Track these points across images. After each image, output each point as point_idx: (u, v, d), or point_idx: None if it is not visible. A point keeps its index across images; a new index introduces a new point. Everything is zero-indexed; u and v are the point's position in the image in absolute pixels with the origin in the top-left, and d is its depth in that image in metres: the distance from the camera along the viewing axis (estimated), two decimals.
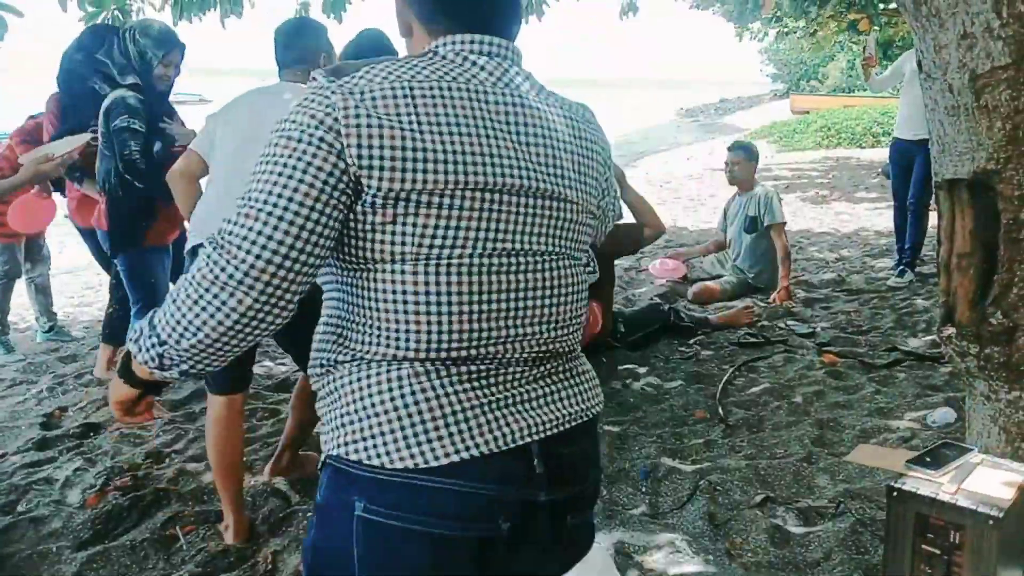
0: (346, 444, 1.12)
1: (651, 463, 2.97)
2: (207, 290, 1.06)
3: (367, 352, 1.13)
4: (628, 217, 4.01)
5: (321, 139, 1.06)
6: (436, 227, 1.09)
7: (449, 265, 1.10)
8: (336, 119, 1.06)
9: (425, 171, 1.07)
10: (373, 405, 1.11)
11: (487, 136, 1.12)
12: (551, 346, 1.20)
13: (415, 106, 1.09)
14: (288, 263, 1.05)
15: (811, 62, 32.52)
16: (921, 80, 2.04)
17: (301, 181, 1.05)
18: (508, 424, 1.12)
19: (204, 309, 1.06)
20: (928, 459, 1.75)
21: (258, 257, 1.05)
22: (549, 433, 1.15)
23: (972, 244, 2.00)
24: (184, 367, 1.13)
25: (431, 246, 1.10)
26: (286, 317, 1.10)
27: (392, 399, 1.10)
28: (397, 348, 1.11)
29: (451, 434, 1.09)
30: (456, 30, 1.19)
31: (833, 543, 2.40)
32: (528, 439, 1.12)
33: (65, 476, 3.00)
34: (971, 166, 1.93)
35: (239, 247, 1.05)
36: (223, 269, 1.05)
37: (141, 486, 2.89)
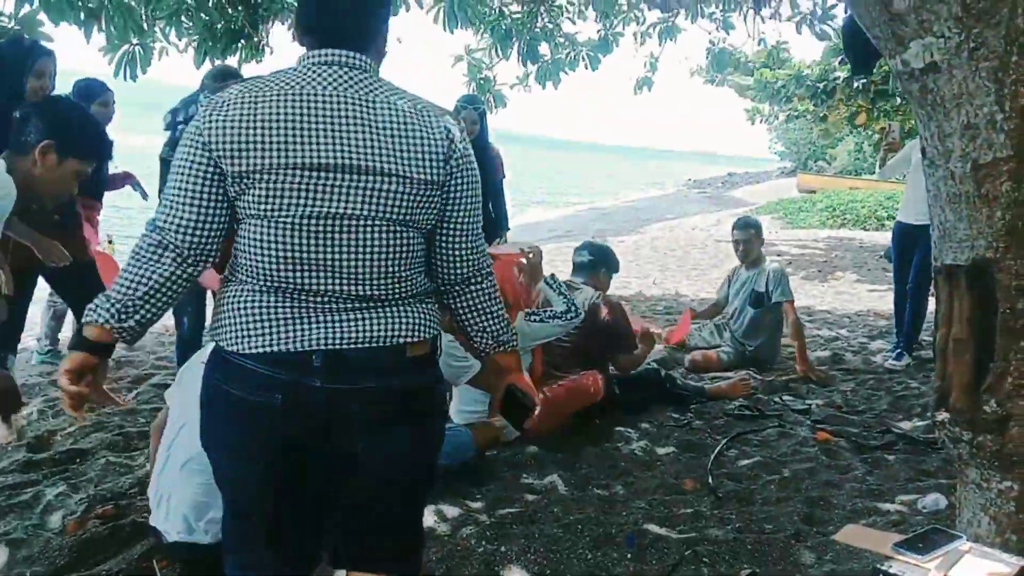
0: (213, 329, 1.66)
1: (638, 529, 2.94)
2: (149, 254, 1.58)
3: (235, 277, 1.64)
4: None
5: (197, 141, 1.56)
6: (269, 196, 1.54)
7: (279, 223, 1.55)
8: (203, 123, 1.55)
9: (255, 156, 1.53)
10: (226, 307, 1.62)
11: (308, 127, 1.54)
12: (364, 291, 1.61)
13: (255, 109, 1.54)
14: (195, 224, 1.57)
15: (819, 143, 33.01)
16: (924, 167, 2.09)
17: (188, 171, 1.56)
18: (304, 335, 1.58)
19: (148, 266, 1.58)
20: (916, 544, 1.74)
21: (177, 225, 1.57)
22: (332, 347, 1.58)
23: (969, 331, 2.01)
24: (137, 316, 1.59)
25: (267, 209, 1.55)
26: (206, 264, 1.63)
27: (235, 306, 1.60)
28: (246, 276, 1.61)
29: (261, 335, 1.58)
30: (316, 46, 1.63)
31: None
32: (311, 347, 1.58)
33: (47, 500, 2.97)
34: (970, 253, 1.97)
35: (165, 221, 1.58)
36: (156, 240, 1.58)
37: (123, 515, 2.86)
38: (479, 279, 1.80)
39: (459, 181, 1.68)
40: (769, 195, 25.71)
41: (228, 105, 1.55)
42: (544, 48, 7.48)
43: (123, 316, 1.58)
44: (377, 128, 1.58)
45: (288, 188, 1.54)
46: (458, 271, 1.76)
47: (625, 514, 3.08)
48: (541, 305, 3.92)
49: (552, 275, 3.97)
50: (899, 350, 5.29)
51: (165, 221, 1.58)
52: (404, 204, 1.60)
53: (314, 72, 1.60)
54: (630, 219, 20.42)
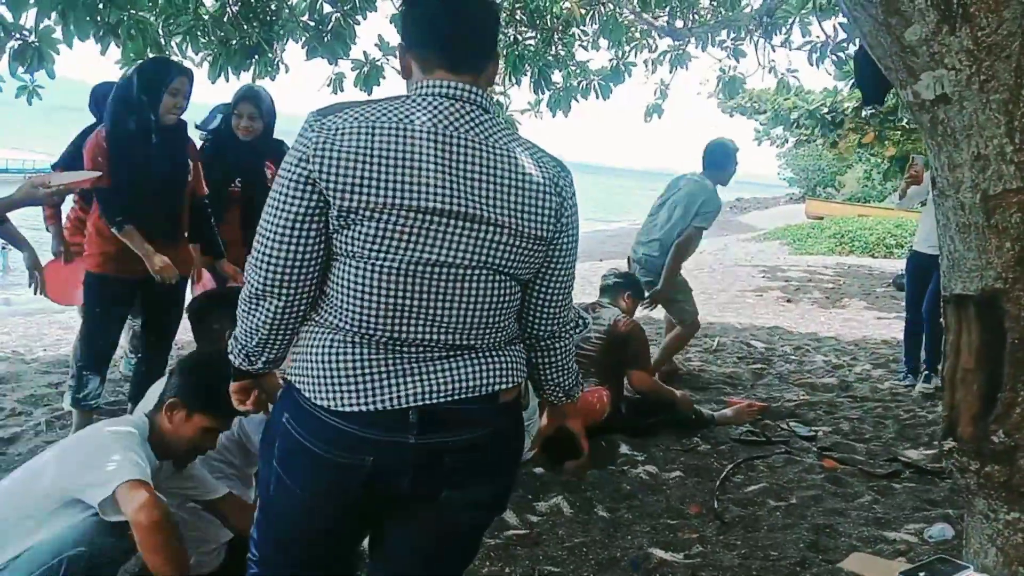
0: (293, 373, 1.57)
1: (642, 553, 2.93)
2: (250, 302, 1.53)
3: (321, 318, 1.55)
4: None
5: (300, 173, 1.44)
6: (376, 236, 1.44)
7: (383, 266, 1.46)
8: (312, 151, 1.44)
9: (369, 193, 1.42)
10: (311, 354, 1.53)
11: (426, 168, 1.44)
12: (464, 341, 1.55)
13: (372, 141, 1.43)
14: (289, 269, 1.47)
15: (828, 169, 33.04)
16: (934, 196, 2.10)
17: (284, 210, 1.45)
18: (399, 392, 1.50)
19: (254, 316, 1.54)
20: (922, 573, 1.73)
21: (269, 271, 1.48)
22: (429, 402, 1.51)
23: (977, 360, 2.02)
24: (264, 357, 1.60)
25: (371, 250, 1.45)
26: (311, 301, 1.53)
27: (324, 355, 1.51)
28: (338, 320, 1.52)
29: (353, 391, 1.49)
30: (431, 67, 1.54)
31: None
32: (407, 404, 1.50)
33: None
34: (979, 283, 1.97)
35: (256, 267, 1.50)
36: (253, 286, 1.51)
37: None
38: (564, 335, 1.75)
39: (564, 239, 1.62)
40: (777, 220, 25.74)
41: (342, 134, 1.44)
42: (556, 76, 7.54)
43: (251, 360, 1.61)
44: (494, 175, 1.50)
45: (398, 231, 1.44)
46: (547, 326, 1.71)
47: (630, 538, 3.07)
48: None
49: None
50: (927, 372, 5.20)
51: (255, 263, 1.50)
52: (512, 257, 1.54)
53: (434, 106, 1.50)
54: None
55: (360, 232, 1.44)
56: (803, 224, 22.31)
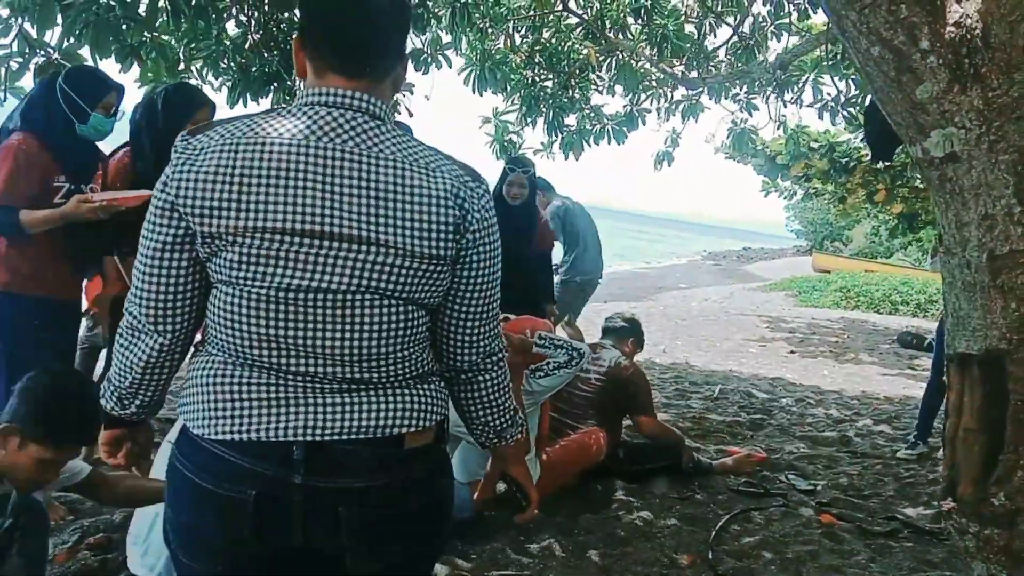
0: (181, 405, 1.43)
1: None
2: (127, 339, 1.43)
3: (207, 345, 1.42)
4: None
5: (162, 199, 1.34)
6: (241, 262, 1.31)
7: (251, 293, 1.32)
8: (171, 176, 1.33)
9: (230, 217, 1.29)
10: (193, 382, 1.40)
11: (293, 186, 1.29)
12: (357, 375, 1.38)
13: (234, 160, 1.30)
14: (163, 302, 1.37)
15: (836, 224, 33.12)
16: (941, 254, 2.09)
17: (151, 239, 1.35)
18: (282, 422, 1.34)
19: (130, 352, 1.43)
20: None
21: (145, 303, 1.38)
22: (316, 439, 1.34)
23: (979, 420, 1.99)
24: (137, 400, 1.48)
25: (239, 277, 1.32)
26: (190, 337, 1.43)
27: (203, 381, 1.38)
28: (216, 349, 1.39)
29: (232, 418, 1.34)
30: (322, 73, 1.38)
31: None
32: (292, 438, 1.34)
33: None
34: (983, 343, 1.96)
35: (133, 299, 1.40)
36: (131, 321, 1.41)
37: (114, 547, 2.84)
38: (488, 368, 1.55)
39: (474, 257, 1.43)
40: (783, 272, 25.75)
41: (202, 153, 1.31)
42: (570, 119, 7.63)
43: (124, 403, 1.49)
44: (375, 190, 1.32)
45: (263, 255, 1.30)
46: (465, 357, 1.51)
47: None
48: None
49: (537, 334, 3.85)
50: (919, 440, 5.11)
51: (133, 296, 1.40)
52: (401, 280, 1.36)
53: (311, 116, 1.34)
54: (644, 286, 20.45)
55: (226, 259, 1.32)
56: (809, 276, 22.33)
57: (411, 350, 1.42)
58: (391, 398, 1.40)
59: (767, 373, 8.09)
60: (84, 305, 3.69)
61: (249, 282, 1.32)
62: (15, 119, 3.07)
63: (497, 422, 1.61)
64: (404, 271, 1.35)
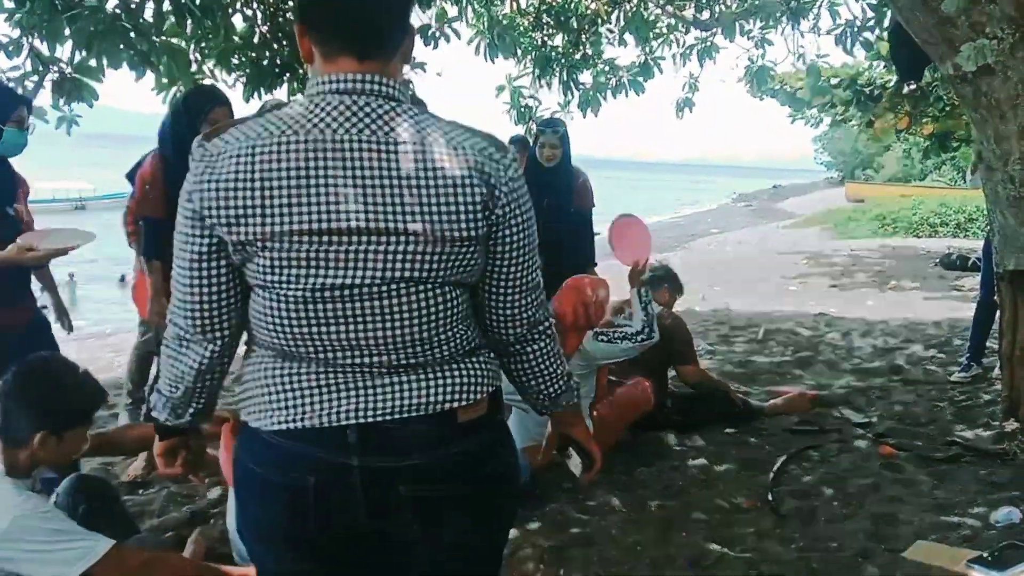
0: (239, 402, 1.44)
1: (699, 550, 2.89)
2: (175, 350, 1.43)
3: (252, 343, 1.43)
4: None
5: (188, 209, 1.33)
6: (273, 267, 1.31)
7: (287, 297, 1.32)
8: (194, 184, 1.31)
9: (256, 224, 1.28)
10: (248, 379, 1.42)
11: (317, 185, 1.28)
12: (404, 361, 1.37)
13: (253, 164, 1.28)
14: (204, 309, 1.37)
15: (867, 151, 32.47)
16: (981, 171, 2.04)
17: (186, 251, 1.35)
18: (334, 407, 1.35)
19: (179, 362, 1.43)
20: (992, 559, 1.68)
21: (191, 314, 1.38)
22: (369, 420, 1.35)
23: None
24: (191, 409, 1.49)
25: (273, 281, 1.32)
26: (238, 339, 1.44)
27: (256, 377, 1.40)
28: (263, 345, 1.40)
29: (286, 408, 1.36)
30: (332, 57, 1.34)
31: None
32: (344, 422, 1.35)
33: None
34: None
35: (177, 310, 1.40)
36: (178, 332, 1.41)
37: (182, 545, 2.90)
38: (535, 338, 1.53)
39: (506, 231, 1.39)
40: (817, 206, 25.35)
41: (220, 159, 1.30)
42: (585, 76, 7.52)
43: (178, 413, 1.50)
44: (399, 178, 1.30)
45: (294, 258, 1.29)
46: (510, 331, 1.49)
47: (684, 535, 3.04)
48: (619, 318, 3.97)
49: (646, 288, 3.87)
50: (972, 361, 5.02)
51: (176, 308, 1.40)
52: (434, 265, 1.34)
53: (323, 107, 1.32)
54: (675, 235, 20.28)
55: (259, 264, 1.31)
56: (844, 208, 21.97)
57: (454, 330, 1.41)
58: (440, 375, 1.40)
59: (810, 310, 8.00)
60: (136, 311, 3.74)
61: (284, 286, 1.32)
62: None
63: (551, 389, 1.60)
64: (436, 256, 1.33)
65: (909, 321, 7.27)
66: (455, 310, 1.40)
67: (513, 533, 3.03)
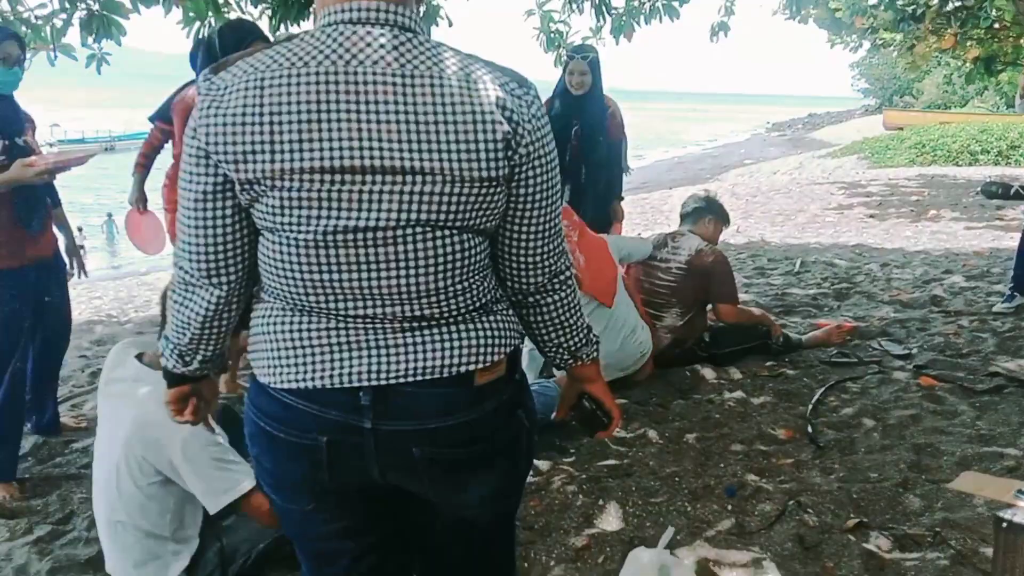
0: (249, 354, 1.39)
1: (737, 481, 2.90)
2: (181, 295, 1.37)
3: (261, 290, 1.38)
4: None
5: (193, 146, 1.25)
6: (283, 208, 1.23)
7: (296, 240, 1.25)
8: (199, 119, 1.24)
9: (264, 160, 1.20)
10: (257, 331, 1.37)
11: (328, 120, 1.20)
12: (418, 312, 1.31)
13: (262, 97, 1.20)
14: (211, 250, 1.30)
15: (905, 77, 31.48)
16: None
17: (191, 191, 1.28)
18: (345, 368, 1.30)
19: (185, 307, 1.37)
20: None
21: (197, 257, 1.31)
22: (382, 383, 1.30)
23: None
24: (199, 356, 1.43)
25: (282, 223, 1.25)
26: (246, 288, 1.37)
27: (266, 330, 1.35)
28: (272, 293, 1.34)
29: (296, 365, 1.31)
30: None
31: (931, 573, 2.30)
32: (358, 384, 1.30)
33: None
34: None
35: (184, 253, 1.33)
36: (183, 276, 1.35)
37: None
38: (556, 287, 1.45)
39: (529, 172, 1.31)
40: (853, 134, 24.76)
41: (228, 93, 1.22)
42: (618, 0, 7.28)
43: (186, 360, 1.44)
44: (415, 114, 1.22)
45: (305, 198, 1.22)
46: (530, 279, 1.42)
47: (723, 466, 3.04)
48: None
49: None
50: (1016, 291, 4.90)
51: (181, 250, 1.34)
52: (453, 208, 1.26)
53: (336, 38, 1.23)
54: (707, 166, 19.98)
55: (267, 204, 1.24)
56: (881, 136, 21.44)
57: (472, 280, 1.34)
58: (456, 334, 1.33)
59: (847, 241, 7.86)
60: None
61: (294, 227, 1.24)
62: None
63: (571, 342, 1.53)
64: (455, 198, 1.26)
65: (949, 251, 7.13)
66: (474, 259, 1.33)
67: (548, 464, 3.06)
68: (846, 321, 4.71)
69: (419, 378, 1.31)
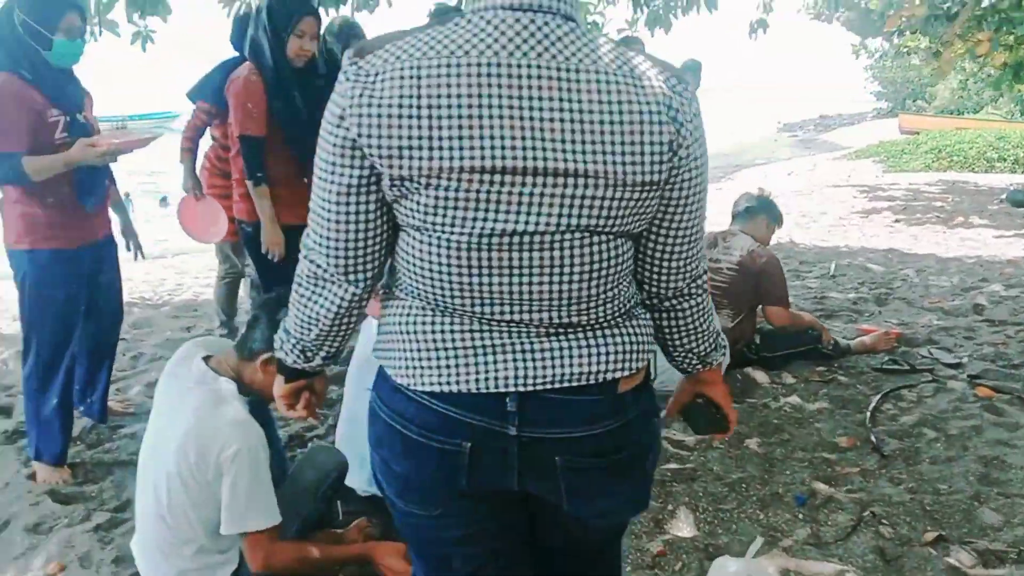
0: (379, 351, 1.35)
1: (807, 489, 2.85)
2: (311, 290, 1.32)
3: (397, 292, 1.32)
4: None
5: (339, 134, 1.18)
6: (436, 207, 1.17)
7: (448, 242, 1.19)
8: (348, 106, 1.16)
9: (422, 157, 1.14)
10: (393, 329, 1.31)
11: (490, 116, 1.13)
12: (566, 319, 1.26)
13: (419, 87, 1.13)
14: (349, 245, 1.24)
15: (918, 81, 31.33)
16: None
17: (333, 182, 1.21)
18: (492, 372, 1.25)
19: (314, 302, 1.32)
20: None
21: (334, 252, 1.25)
22: (530, 388, 1.25)
23: None
24: (322, 352, 1.40)
25: (434, 223, 1.19)
26: (377, 279, 1.31)
27: (404, 329, 1.28)
28: (409, 292, 1.29)
29: (439, 368, 1.25)
30: None
31: None
32: (505, 389, 1.25)
33: None
34: None
35: (318, 247, 1.27)
36: (314, 270, 1.29)
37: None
38: (694, 292, 1.41)
39: (686, 175, 1.25)
40: (866, 137, 24.59)
41: (380, 81, 1.15)
42: None
43: (308, 355, 1.40)
44: (580, 112, 1.15)
45: (462, 198, 1.16)
46: (671, 284, 1.37)
47: (788, 472, 3.00)
48: None
49: None
50: None
51: (314, 244, 1.28)
52: (612, 213, 1.20)
53: (496, 25, 1.15)
54: (719, 165, 19.83)
55: (419, 203, 1.18)
56: (897, 140, 21.28)
57: (620, 287, 1.30)
58: (602, 341, 1.29)
59: (877, 245, 7.80)
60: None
61: (446, 227, 1.18)
62: None
63: (701, 347, 1.49)
64: (615, 203, 1.19)
65: (981, 259, 7.06)
66: (623, 265, 1.29)
67: None
68: (892, 328, 4.66)
69: (565, 384, 1.27)
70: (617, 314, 1.31)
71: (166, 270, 6.99)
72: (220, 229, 3.77)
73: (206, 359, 2.20)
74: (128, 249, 3.38)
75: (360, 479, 2.59)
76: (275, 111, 3.26)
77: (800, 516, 2.70)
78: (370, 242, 1.26)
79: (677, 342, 1.48)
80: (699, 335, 1.47)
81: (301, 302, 1.34)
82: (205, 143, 4.10)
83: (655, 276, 1.37)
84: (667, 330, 1.46)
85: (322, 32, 3.49)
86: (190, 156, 3.90)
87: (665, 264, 1.35)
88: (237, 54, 3.72)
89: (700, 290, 1.42)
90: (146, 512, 2.19)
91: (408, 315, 1.29)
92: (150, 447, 2.21)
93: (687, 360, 1.51)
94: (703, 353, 1.50)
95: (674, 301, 1.41)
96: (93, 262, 3.03)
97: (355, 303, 1.32)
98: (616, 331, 1.31)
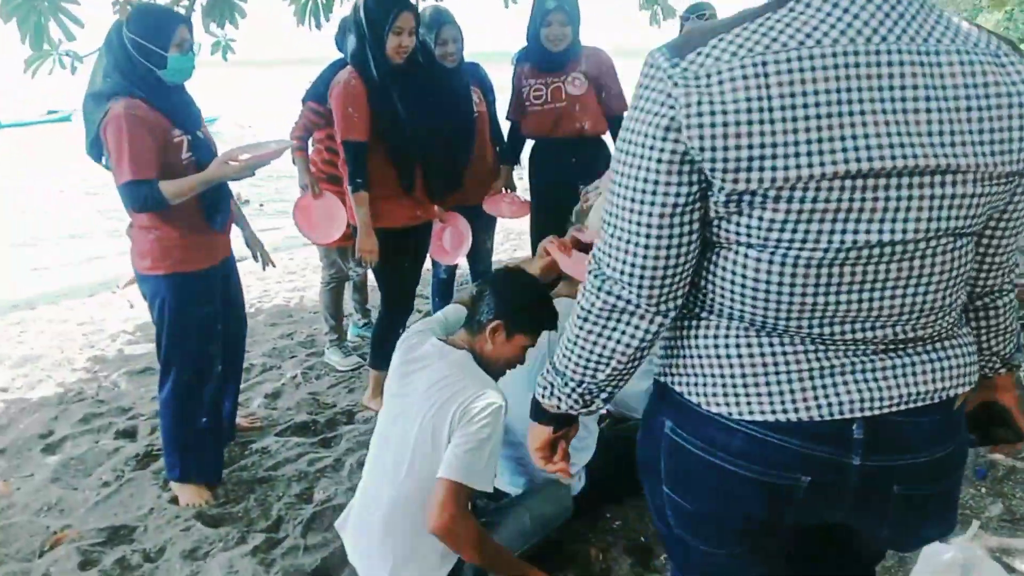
0: (674, 374, 1.20)
1: (985, 461, 2.70)
2: (605, 323, 1.16)
3: (698, 310, 1.18)
4: None
5: (671, 151, 1.03)
6: (785, 222, 1.03)
7: (797, 259, 1.05)
8: (676, 117, 1.02)
9: (775, 168, 1.00)
10: (699, 352, 1.16)
11: (851, 113, 0.99)
12: (908, 334, 1.13)
13: (767, 87, 0.99)
14: (663, 271, 1.10)
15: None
16: None
17: (655, 204, 1.06)
18: (833, 396, 1.11)
19: (609, 339, 1.17)
20: None
21: (646, 281, 1.11)
22: (876, 412, 1.11)
23: None
24: (604, 394, 1.25)
25: (778, 240, 1.05)
26: (675, 310, 1.15)
27: (717, 351, 1.14)
28: (722, 313, 1.15)
29: (771, 394, 1.11)
30: None
31: None
32: (851, 415, 1.11)
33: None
34: None
35: (621, 276, 1.12)
36: (615, 302, 1.14)
37: None
38: (1007, 290, 1.29)
39: None
40: None
41: (719, 83, 1.00)
42: None
43: (587, 400, 1.25)
44: (946, 99, 1.02)
45: (820, 209, 1.02)
46: (988, 282, 1.25)
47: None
48: None
49: None
50: None
51: (618, 275, 1.13)
52: (975, 211, 1.07)
53: (847, 7, 1.02)
54: None
55: (763, 218, 1.04)
56: None
57: (960, 293, 1.16)
58: (943, 354, 1.17)
59: None
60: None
61: (795, 244, 1.04)
62: (102, 85, 2.65)
63: (1007, 348, 1.35)
64: (981, 199, 1.07)
65: None
66: (967, 268, 1.15)
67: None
68: None
69: (911, 405, 1.14)
70: (954, 324, 1.19)
71: (247, 276, 6.96)
72: (337, 229, 3.65)
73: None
74: (256, 259, 3.33)
75: (501, 481, 2.52)
76: (377, 115, 3.16)
77: (983, 490, 2.55)
78: (687, 267, 1.12)
79: (983, 344, 1.33)
80: (1006, 334, 1.34)
81: (590, 339, 1.19)
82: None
83: (979, 274, 1.25)
84: (975, 332, 1.32)
85: None
86: (303, 155, 3.80)
87: (988, 260, 1.23)
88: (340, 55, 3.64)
89: (1012, 287, 1.30)
90: (380, 496, 2.15)
91: (721, 337, 1.15)
92: (388, 423, 2.20)
93: (989, 363, 1.36)
94: (1007, 354, 1.35)
95: (987, 299, 1.29)
96: (223, 279, 2.99)
97: (659, 335, 1.18)
98: (953, 342, 1.19)
